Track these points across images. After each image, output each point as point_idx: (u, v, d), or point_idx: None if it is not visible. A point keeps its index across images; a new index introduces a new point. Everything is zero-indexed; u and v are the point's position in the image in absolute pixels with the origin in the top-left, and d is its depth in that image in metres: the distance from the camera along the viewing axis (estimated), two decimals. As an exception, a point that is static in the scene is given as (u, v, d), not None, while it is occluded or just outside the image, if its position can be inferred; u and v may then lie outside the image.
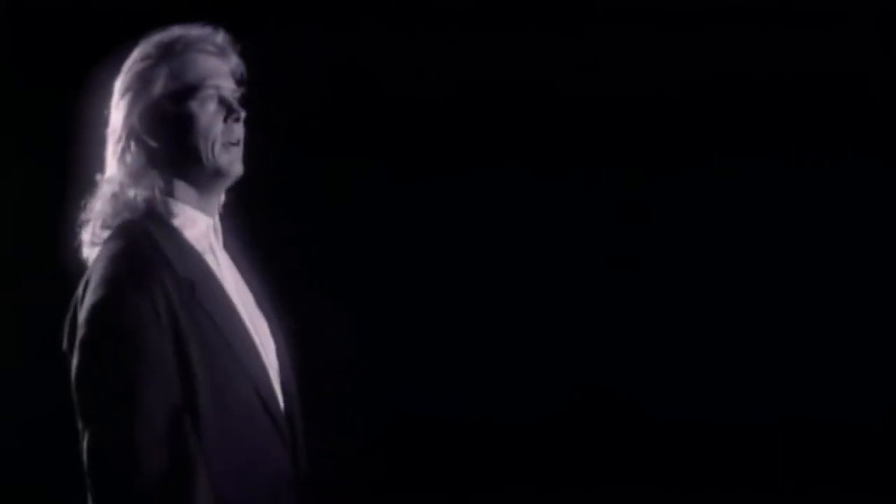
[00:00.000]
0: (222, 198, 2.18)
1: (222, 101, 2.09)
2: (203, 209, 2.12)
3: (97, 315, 1.93)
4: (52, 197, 2.96)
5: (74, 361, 1.96)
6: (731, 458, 3.88)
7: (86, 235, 2.10)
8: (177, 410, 1.93)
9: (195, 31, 2.10)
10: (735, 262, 3.89)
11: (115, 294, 1.93)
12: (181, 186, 2.08)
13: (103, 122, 2.13)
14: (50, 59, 3.75)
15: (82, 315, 1.95)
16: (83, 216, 2.10)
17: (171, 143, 2.07)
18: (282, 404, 2.13)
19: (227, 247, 2.20)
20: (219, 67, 2.10)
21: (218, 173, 2.09)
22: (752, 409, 3.86)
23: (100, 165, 2.14)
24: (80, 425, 1.97)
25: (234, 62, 2.13)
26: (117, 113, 2.09)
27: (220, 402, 1.99)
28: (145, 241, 2.02)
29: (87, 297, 1.96)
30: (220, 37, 2.12)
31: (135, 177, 2.06)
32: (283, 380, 2.17)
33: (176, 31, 2.10)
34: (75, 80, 3.39)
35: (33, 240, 3.59)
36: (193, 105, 2.06)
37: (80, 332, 1.94)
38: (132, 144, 2.07)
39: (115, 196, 2.06)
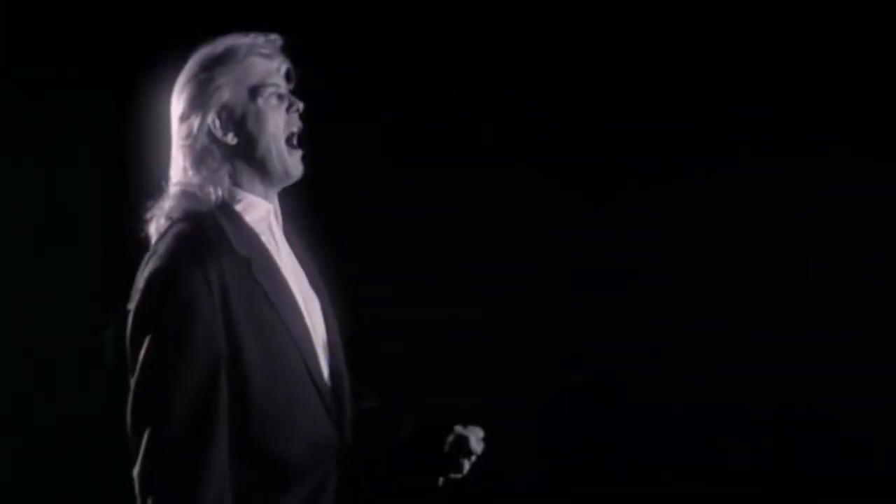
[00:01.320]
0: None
1: (281, 97, 2.32)
2: (265, 197, 2.33)
3: (154, 281, 2.15)
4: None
5: (129, 321, 2.17)
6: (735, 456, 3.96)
7: (152, 229, 2.30)
8: (214, 372, 2.13)
9: (247, 38, 2.33)
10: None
11: (173, 265, 2.15)
12: (247, 179, 2.30)
13: (167, 131, 2.35)
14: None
15: (142, 281, 2.17)
16: (149, 214, 2.30)
17: (243, 140, 2.29)
18: (327, 376, 2.30)
19: (284, 230, 2.41)
20: (272, 68, 2.33)
21: (286, 174, 2.32)
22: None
23: (162, 171, 2.35)
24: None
25: (281, 62, 2.35)
26: (183, 125, 2.30)
27: (270, 368, 2.18)
28: (209, 225, 2.23)
29: (149, 266, 2.18)
30: (270, 40, 2.34)
31: (207, 174, 2.27)
32: (331, 354, 2.35)
33: (226, 41, 2.32)
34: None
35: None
36: (260, 103, 2.30)
37: (137, 296, 2.16)
38: (207, 146, 2.28)
39: (185, 193, 2.27)
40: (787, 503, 4.00)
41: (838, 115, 3.95)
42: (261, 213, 2.31)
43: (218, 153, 2.27)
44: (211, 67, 2.29)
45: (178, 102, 2.31)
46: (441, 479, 2.39)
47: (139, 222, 2.31)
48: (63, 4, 3.98)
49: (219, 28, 2.39)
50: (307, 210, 2.53)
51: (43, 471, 4.03)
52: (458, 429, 2.35)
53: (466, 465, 2.37)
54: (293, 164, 2.31)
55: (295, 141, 2.33)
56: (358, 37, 4.01)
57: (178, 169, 2.31)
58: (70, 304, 4.03)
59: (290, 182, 2.34)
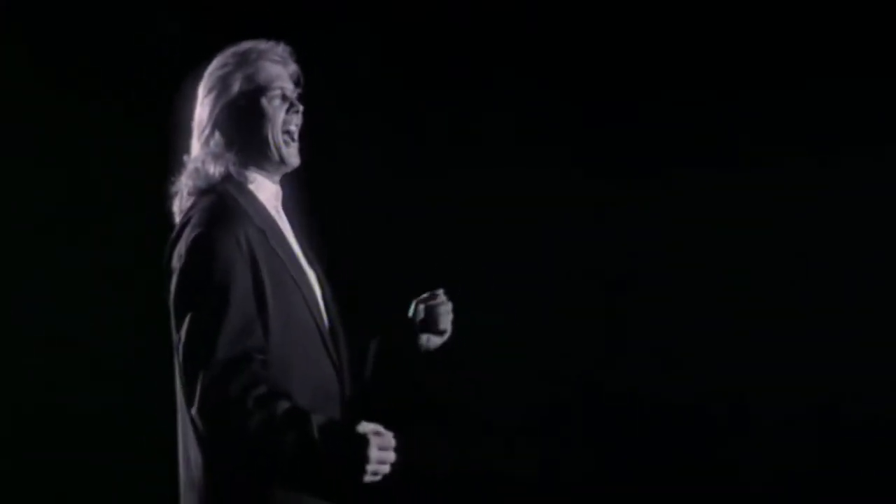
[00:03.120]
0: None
1: (285, 98, 2.66)
2: (271, 179, 2.68)
3: (197, 245, 2.48)
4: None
5: (174, 281, 2.49)
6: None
7: (175, 206, 2.64)
8: (252, 317, 2.46)
9: (263, 44, 2.67)
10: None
11: (210, 231, 2.49)
12: (253, 163, 2.64)
13: (189, 116, 2.69)
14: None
15: (184, 246, 2.49)
16: (172, 189, 2.65)
17: (245, 130, 2.63)
18: (329, 332, 2.64)
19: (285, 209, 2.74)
20: (282, 73, 2.67)
21: (281, 162, 2.65)
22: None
23: (186, 150, 2.68)
24: (176, 333, 2.47)
25: (292, 68, 2.69)
26: (202, 108, 2.66)
27: (286, 322, 2.52)
28: (229, 198, 2.57)
29: (187, 233, 2.51)
30: (282, 48, 2.69)
31: (215, 156, 2.62)
32: (329, 315, 2.67)
33: (247, 44, 2.67)
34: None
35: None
36: (263, 101, 2.63)
37: (183, 259, 2.48)
38: (215, 132, 2.64)
39: (197, 170, 2.61)
40: (788, 503, 4.00)
41: (839, 114, 3.96)
42: (270, 192, 2.66)
43: (222, 138, 2.62)
44: (228, 64, 2.65)
45: (200, 90, 2.66)
46: (429, 340, 2.77)
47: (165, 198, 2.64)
48: (63, 4, 3.99)
49: (217, 27, 2.44)
50: (311, 209, 2.75)
51: (43, 470, 4.04)
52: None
53: (446, 321, 2.78)
54: (288, 154, 2.65)
55: (292, 136, 2.65)
56: (358, 36, 4.01)
57: (193, 147, 2.66)
58: (70, 304, 4.03)
59: (288, 170, 2.67)
